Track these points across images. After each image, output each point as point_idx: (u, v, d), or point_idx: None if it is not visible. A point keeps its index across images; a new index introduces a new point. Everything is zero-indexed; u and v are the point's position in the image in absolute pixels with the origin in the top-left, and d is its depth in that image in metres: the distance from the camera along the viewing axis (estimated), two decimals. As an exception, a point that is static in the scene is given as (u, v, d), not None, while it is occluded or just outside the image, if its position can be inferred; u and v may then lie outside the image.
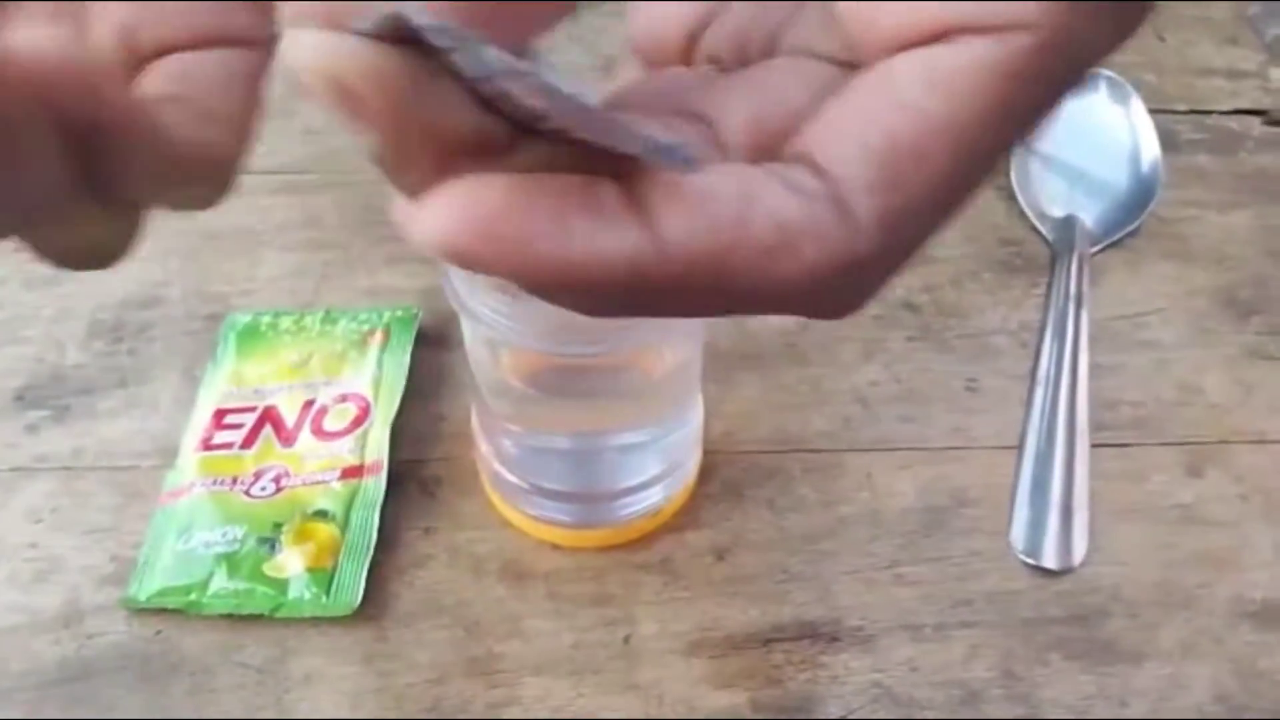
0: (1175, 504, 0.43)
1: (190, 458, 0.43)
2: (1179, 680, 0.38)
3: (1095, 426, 0.44)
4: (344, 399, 0.45)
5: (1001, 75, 0.17)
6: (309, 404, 0.45)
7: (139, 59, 0.23)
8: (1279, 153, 0.57)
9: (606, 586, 0.40)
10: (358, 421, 0.44)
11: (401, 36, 0.14)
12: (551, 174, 0.16)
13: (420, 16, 0.14)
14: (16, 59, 0.17)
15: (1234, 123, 0.59)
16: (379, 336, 0.47)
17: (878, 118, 0.17)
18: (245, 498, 0.41)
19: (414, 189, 0.16)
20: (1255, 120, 0.59)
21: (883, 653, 0.38)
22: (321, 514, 0.41)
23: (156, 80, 0.23)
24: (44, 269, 0.54)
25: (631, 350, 0.37)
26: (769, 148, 0.19)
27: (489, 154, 0.16)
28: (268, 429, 0.44)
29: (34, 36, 0.21)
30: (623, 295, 0.16)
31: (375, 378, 0.46)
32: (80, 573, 0.40)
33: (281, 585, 0.39)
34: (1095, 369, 0.47)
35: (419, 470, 0.44)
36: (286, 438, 0.44)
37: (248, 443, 0.43)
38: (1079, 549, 0.41)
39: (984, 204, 0.54)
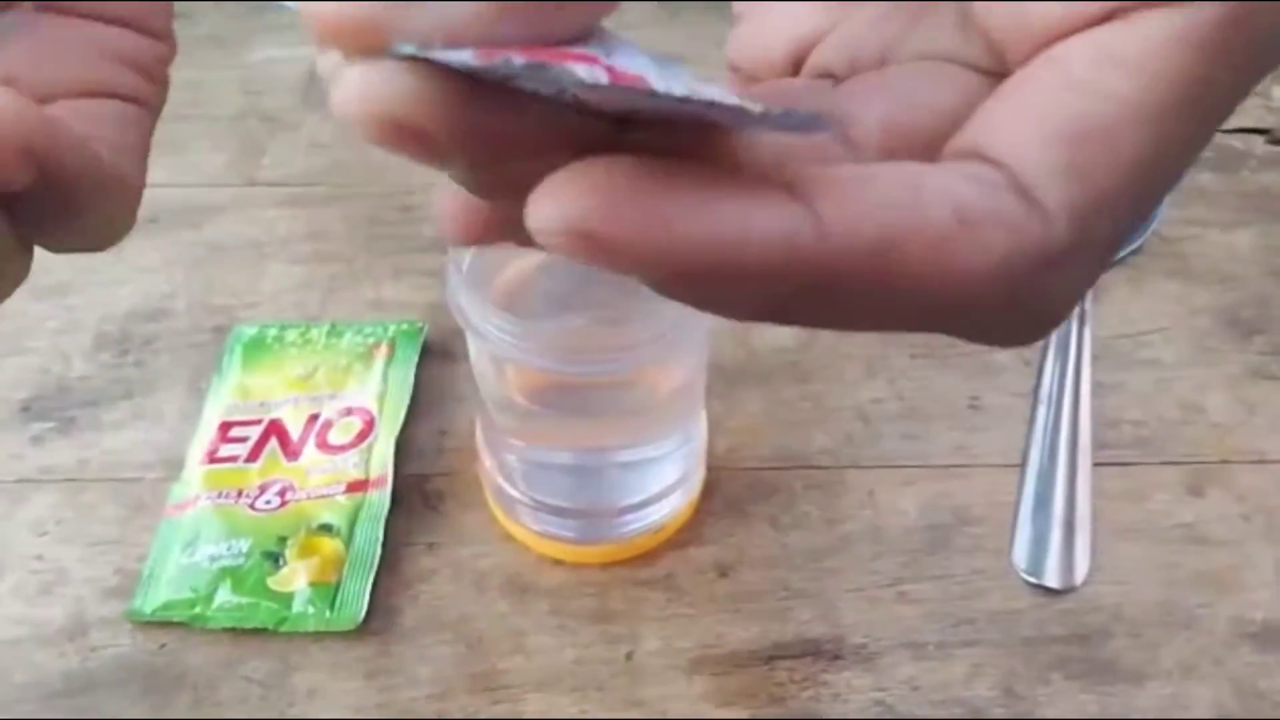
0: (1177, 523, 0.43)
1: (195, 470, 0.43)
2: (1180, 700, 0.38)
3: (1097, 445, 0.45)
4: (349, 412, 0.45)
5: (1188, 48, 0.15)
6: (314, 417, 0.45)
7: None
8: (1281, 171, 0.58)
9: (609, 602, 0.40)
10: (362, 435, 0.44)
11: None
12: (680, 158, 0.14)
13: (459, 55, 0.12)
14: None
15: (1237, 141, 0.59)
16: (384, 350, 0.47)
17: (1055, 103, 0.15)
18: (250, 511, 0.42)
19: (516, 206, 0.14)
20: (1258, 139, 0.59)
21: (885, 671, 0.39)
22: (326, 528, 0.41)
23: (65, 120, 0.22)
24: (51, 280, 0.54)
25: (636, 369, 0.37)
26: (907, 151, 0.17)
27: (589, 149, 0.14)
28: (273, 442, 0.44)
29: None
30: (777, 287, 0.14)
31: (380, 391, 0.46)
32: (85, 585, 0.40)
33: (286, 599, 0.39)
34: (1097, 387, 0.47)
35: (423, 484, 0.44)
36: (291, 451, 0.44)
37: (253, 456, 0.44)
38: (1081, 568, 0.41)
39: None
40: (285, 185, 0.57)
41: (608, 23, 0.15)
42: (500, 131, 0.14)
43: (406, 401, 0.46)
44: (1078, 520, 0.42)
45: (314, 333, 0.48)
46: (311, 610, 0.39)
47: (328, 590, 0.39)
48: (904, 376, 0.48)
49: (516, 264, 0.39)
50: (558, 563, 0.41)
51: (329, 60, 0.14)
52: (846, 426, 0.46)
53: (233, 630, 0.39)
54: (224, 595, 0.39)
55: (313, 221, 0.55)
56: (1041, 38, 0.16)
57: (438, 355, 0.48)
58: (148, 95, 0.25)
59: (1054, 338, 0.48)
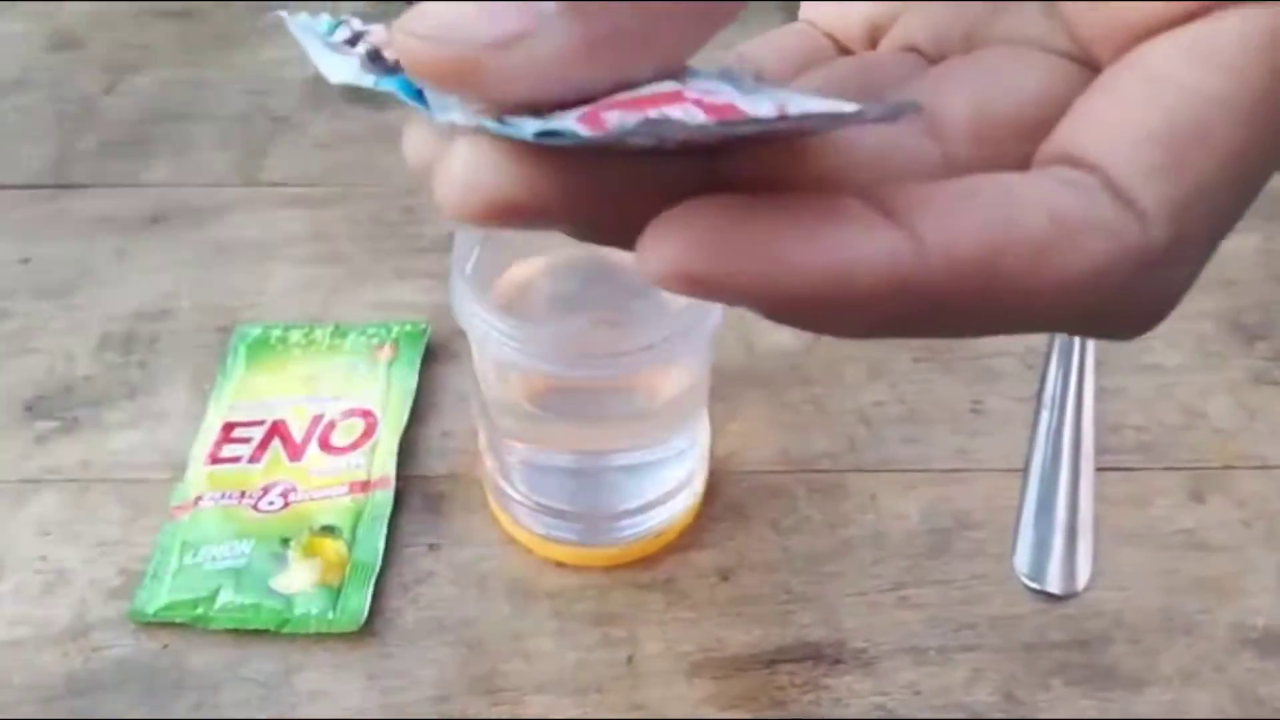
0: (1178, 529, 0.43)
1: (199, 471, 0.43)
2: (1180, 707, 0.38)
3: (1099, 450, 0.45)
4: (352, 413, 0.45)
5: (1276, 42, 0.15)
6: (317, 418, 0.45)
7: None
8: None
9: (610, 606, 0.40)
10: (365, 436, 0.44)
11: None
12: (783, 188, 0.14)
13: (566, 126, 0.13)
14: None
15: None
16: (388, 351, 0.48)
17: (1145, 103, 0.16)
18: (253, 512, 0.42)
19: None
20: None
21: (885, 675, 0.39)
22: (329, 529, 0.41)
23: None
24: (54, 280, 0.54)
25: (638, 372, 0.37)
26: (997, 139, 0.17)
27: (688, 185, 0.14)
28: (276, 443, 0.44)
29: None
30: (883, 309, 0.14)
31: (383, 392, 0.46)
32: (88, 586, 0.41)
33: (288, 601, 0.39)
34: (1100, 392, 0.47)
35: (425, 486, 0.44)
36: (294, 452, 0.44)
37: (256, 456, 0.44)
38: (1083, 574, 0.41)
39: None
40: (290, 186, 0.57)
41: None
42: (604, 192, 0.14)
43: (409, 403, 0.46)
44: (1080, 525, 0.42)
45: (317, 333, 0.48)
46: (314, 611, 0.39)
47: (330, 592, 0.40)
48: (906, 380, 0.48)
49: (519, 266, 0.39)
50: (559, 565, 0.41)
51: (419, 146, 0.15)
52: (848, 430, 0.46)
53: (235, 631, 0.39)
54: (226, 596, 0.39)
55: (317, 222, 0.55)
56: (1128, 37, 0.16)
57: (441, 356, 0.48)
58: None
59: (1056, 342, 0.48)
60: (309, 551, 0.41)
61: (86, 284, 0.52)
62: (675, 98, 0.14)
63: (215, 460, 0.44)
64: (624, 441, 0.40)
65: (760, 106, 0.13)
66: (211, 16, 0.68)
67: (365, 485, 0.43)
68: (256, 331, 0.49)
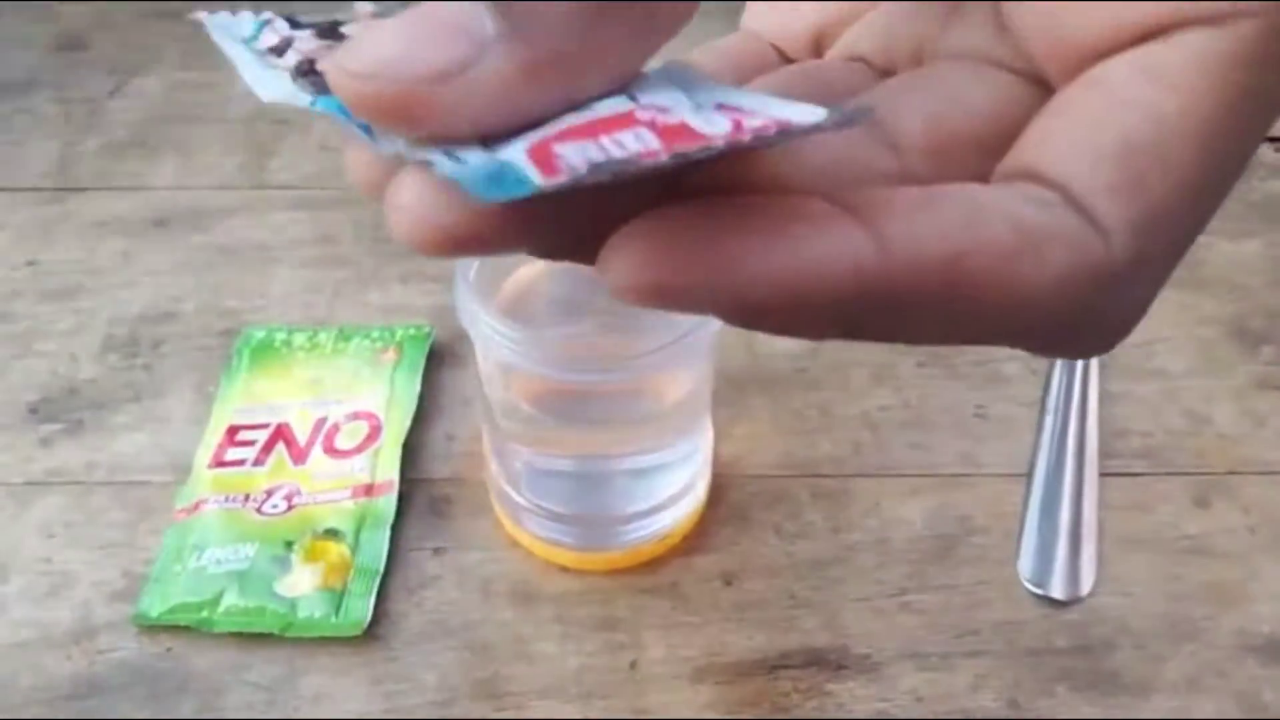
0: (1183, 535, 0.43)
1: (203, 474, 0.43)
2: (1184, 713, 0.38)
3: (1104, 455, 0.44)
4: (356, 417, 0.45)
5: (1229, 63, 0.15)
6: (321, 421, 0.45)
7: None
8: (1291, 181, 0.58)
9: (614, 610, 0.40)
10: (369, 440, 0.44)
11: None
12: (740, 196, 0.14)
13: (525, 179, 0.12)
14: None
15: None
16: (392, 354, 0.48)
17: (1105, 121, 0.16)
18: (257, 515, 0.42)
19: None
20: (1266, 147, 0.59)
21: (888, 681, 0.39)
22: (332, 533, 0.41)
23: None
24: (59, 282, 0.55)
25: (643, 376, 0.37)
26: (951, 154, 0.17)
27: (646, 200, 0.14)
28: (280, 446, 0.44)
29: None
30: (845, 311, 0.14)
31: (387, 396, 0.46)
32: (92, 588, 0.41)
33: (292, 604, 0.39)
34: (1104, 397, 0.47)
35: (429, 489, 0.44)
36: (298, 455, 0.44)
37: (260, 460, 0.44)
38: (1087, 579, 0.41)
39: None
40: (295, 188, 0.57)
41: None
42: (560, 215, 0.14)
43: (414, 406, 0.46)
44: (1084, 531, 0.42)
45: (322, 337, 0.49)
46: (317, 615, 0.39)
47: (334, 595, 0.40)
48: (911, 385, 0.48)
49: (524, 270, 0.39)
50: (563, 570, 0.41)
51: (364, 170, 0.14)
52: (853, 435, 0.46)
53: (238, 634, 0.39)
54: (230, 599, 0.39)
55: (322, 225, 0.55)
56: (1080, 57, 0.16)
57: (445, 360, 0.48)
58: None
59: (1061, 347, 0.48)
60: (313, 555, 0.41)
61: (91, 286, 0.52)
62: (627, 121, 0.13)
63: (219, 463, 0.44)
64: (628, 446, 0.40)
65: (714, 124, 0.13)
66: (217, 19, 0.68)
67: (369, 489, 0.43)
68: (261, 334, 0.49)
